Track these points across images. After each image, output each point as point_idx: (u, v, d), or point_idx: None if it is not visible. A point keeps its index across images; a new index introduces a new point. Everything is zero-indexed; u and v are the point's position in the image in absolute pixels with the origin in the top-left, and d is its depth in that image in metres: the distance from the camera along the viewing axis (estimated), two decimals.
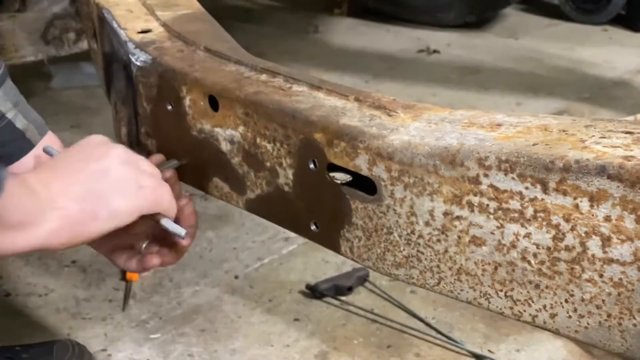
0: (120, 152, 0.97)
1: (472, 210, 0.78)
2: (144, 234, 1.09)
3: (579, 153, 0.70)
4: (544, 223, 0.73)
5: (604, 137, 0.72)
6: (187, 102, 1.07)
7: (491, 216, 0.76)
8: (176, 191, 1.07)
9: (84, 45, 2.39)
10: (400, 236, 0.85)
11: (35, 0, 2.34)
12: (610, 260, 0.69)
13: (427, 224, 0.82)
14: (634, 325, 0.70)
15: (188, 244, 1.07)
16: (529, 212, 0.73)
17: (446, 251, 0.82)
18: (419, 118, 0.87)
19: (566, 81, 3.48)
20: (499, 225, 0.76)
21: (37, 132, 1.16)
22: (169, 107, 1.11)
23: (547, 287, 0.75)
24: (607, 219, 0.68)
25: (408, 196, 0.83)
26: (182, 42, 1.18)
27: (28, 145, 1.14)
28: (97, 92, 2.82)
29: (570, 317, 0.74)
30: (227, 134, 1.03)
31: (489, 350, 1.75)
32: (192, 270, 2.04)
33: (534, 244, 0.74)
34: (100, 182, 0.93)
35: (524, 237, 0.75)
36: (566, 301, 0.74)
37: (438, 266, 0.83)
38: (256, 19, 4.36)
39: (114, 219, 0.93)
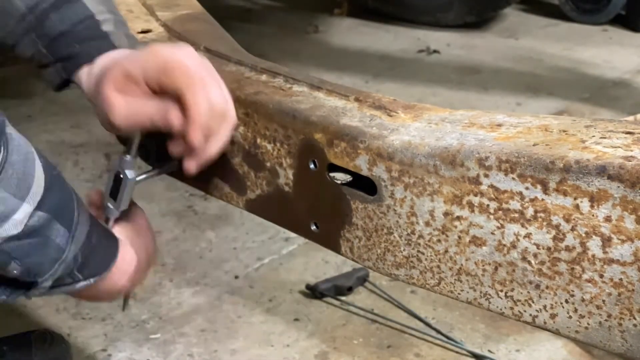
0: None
1: (473, 211, 0.78)
2: None
3: (579, 153, 0.70)
4: (544, 223, 0.73)
5: (605, 138, 0.72)
6: None
7: (491, 216, 0.76)
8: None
9: None
10: (400, 236, 0.85)
11: None
12: (611, 261, 0.69)
13: (427, 224, 0.82)
14: (634, 325, 0.70)
15: None
16: (529, 212, 0.73)
17: (446, 251, 0.82)
18: (419, 118, 0.87)
19: (566, 81, 3.48)
20: (499, 225, 0.76)
21: (124, 38, 1.05)
22: None
23: (547, 288, 0.75)
24: (608, 219, 0.68)
25: (408, 196, 0.83)
26: (183, 42, 1.18)
27: (108, 46, 1.01)
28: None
29: (570, 317, 0.74)
30: None
31: (489, 350, 1.75)
32: (192, 270, 2.04)
33: (535, 244, 0.74)
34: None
35: (525, 237, 0.74)
36: (566, 301, 0.74)
37: (438, 266, 0.83)
38: (256, 19, 4.36)
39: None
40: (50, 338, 1.64)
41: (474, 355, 1.74)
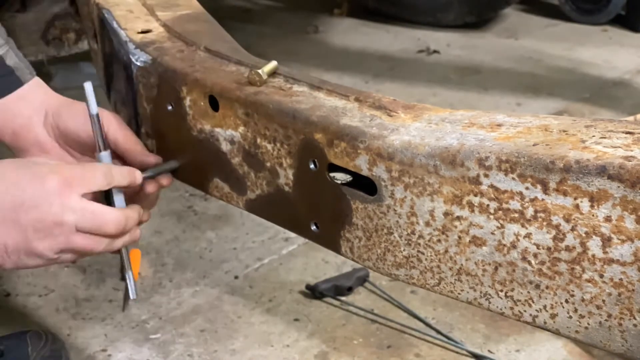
0: (74, 221, 0.95)
1: (473, 211, 0.78)
2: None
3: (579, 153, 0.70)
4: (545, 223, 0.73)
5: (605, 138, 0.72)
6: (187, 102, 1.07)
7: (491, 216, 0.76)
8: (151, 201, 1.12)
9: (84, 45, 2.39)
10: (400, 236, 0.85)
11: (36, 0, 2.34)
12: (611, 261, 0.69)
13: (427, 224, 0.82)
14: (635, 325, 0.70)
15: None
16: (530, 212, 0.73)
17: (446, 251, 0.82)
18: (419, 118, 0.87)
19: (566, 81, 3.48)
20: (499, 225, 0.76)
21: (27, 72, 1.17)
22: (169, 108, 1.11)
23: (547, 288, 0.75)
24: (608, 219, 0.68)
25: (408, 196, 0.83)
26: (183, 42, 1.18)
27: (16, 83, 1.14)
28: (97, 92, 2.82)
29: (570, 317, 0.74)
30: (227, 134, 1.03)
31: (489, 351, 1.75)
32: (192, 270, 2.04)
33: (535, 244, 0.74)
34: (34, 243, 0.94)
35: (525, 237, 0.75)
36: (566, 301, 0.74)
37: (438, 266, 0.83)
38: (256, 19, 4.36)
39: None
40: (45, 337, 1.65)
41: (474, 355, 1.74)
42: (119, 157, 1.12)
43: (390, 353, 1.74)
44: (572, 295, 0.73)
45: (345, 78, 3.40)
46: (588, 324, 0.73)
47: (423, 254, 0.84)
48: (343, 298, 1.92)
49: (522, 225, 0.74)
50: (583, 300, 0.72)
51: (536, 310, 0.76)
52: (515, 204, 0.74)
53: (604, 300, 0.71)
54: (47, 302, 1.90)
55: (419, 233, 0.83)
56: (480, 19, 4.23)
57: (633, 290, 0.69)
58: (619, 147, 0.70)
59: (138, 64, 1.14)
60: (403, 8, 4.22)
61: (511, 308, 0.79)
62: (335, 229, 0.93)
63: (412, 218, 0.83)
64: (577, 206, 0.70)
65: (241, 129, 1.00)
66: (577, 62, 3.72)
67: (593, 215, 0.69)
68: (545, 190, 0.72)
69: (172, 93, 1.09)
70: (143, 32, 1.21)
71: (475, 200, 0.77)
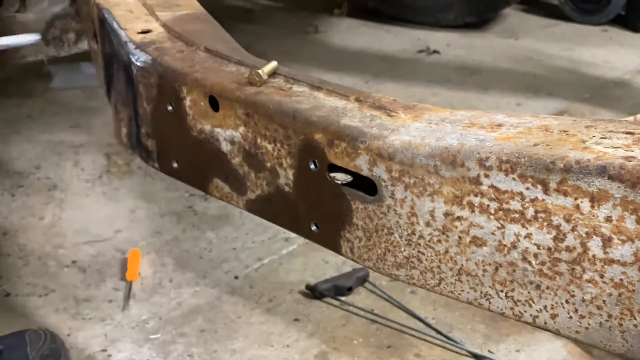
0: None
1: (473, 211, 0.78)
2: None
3: (579, 153, 0.70)
4: (545, 224, 0.73)
5: (605, 138, 0.72)
6: (187, 102, 1.07)
7: (492, 217, 0.76)
8: None
9: (84, 45, 2.39)
10: (400, 237, 0.85)
11: (35, 0, 2.34)
12: (611, 261, 0.69)
13: (427, 224, 0.82)
14: (635, 325, 0.70)
15: None
16: (530, 212, 0.73)
17: (447, 252, 0.82)
18: (419, 118, 0.87)
19: (566, 81, 3.48)
20: (499, 225, 0.76)
21: None
22: (170, 108, 1.11)
23: (547, 288, 0.75)
24: (608, 219, 0.68)
25: (409, 197, 0.83)
26: (183, 42, 1.18)
27: None
28: (97, 92, 2.82)
29: (571, 317, 0.74)
30: (227, 134, 1.03)
31: (489, 351, 1.75)
32: (192, 271, 2.04)
33: (535, 244, 0.74)
34: None
35: (525, 237, 0.74)
36: (567, 302, 0.74)
37: (439, 267, 0.83)
38: (256, 19, 4.36)
39: None
40: (44, 336, 1.65)
41: (474, 355, 1.74)
42: None
43: (390, 353, 1.74)
44: (573, 296, 0.73)
45: (345, 78, 3.40)
46: (588, 324, 0.73)
47: (423, 254, 0.84)
48: (343, 298, 1.92)
49: (523, 226, 0.74)
50: (583, 300, 0.72)
51: (536, 310, 0.76)
52: (515, 204, 0.74)
53: (604, 301, 0.71)
54: (47, 302, 1.90)
55: (420, 233, 0.83)
56: (480, 19, 4.23)
57: (633, 290, 0.69)
58: (620, 147, 0.70)
59: (138, 64, 1.14)
60: (403, 8, 4.23)
61: (511, 308, 0.79)
62: (335, 229, 0.93)
63: (413, 218, 0.83)
64: (577, 206, 0.70)
65: (241, 129, 1.00)
66: (577, 62, 3.72)
67: (593, 216, 0.69)
68: (546, 190, 0.72)
69: (172, 93, 1.09)
70: (143, 32, 1.21)
71: (476, 200, 0.77)
